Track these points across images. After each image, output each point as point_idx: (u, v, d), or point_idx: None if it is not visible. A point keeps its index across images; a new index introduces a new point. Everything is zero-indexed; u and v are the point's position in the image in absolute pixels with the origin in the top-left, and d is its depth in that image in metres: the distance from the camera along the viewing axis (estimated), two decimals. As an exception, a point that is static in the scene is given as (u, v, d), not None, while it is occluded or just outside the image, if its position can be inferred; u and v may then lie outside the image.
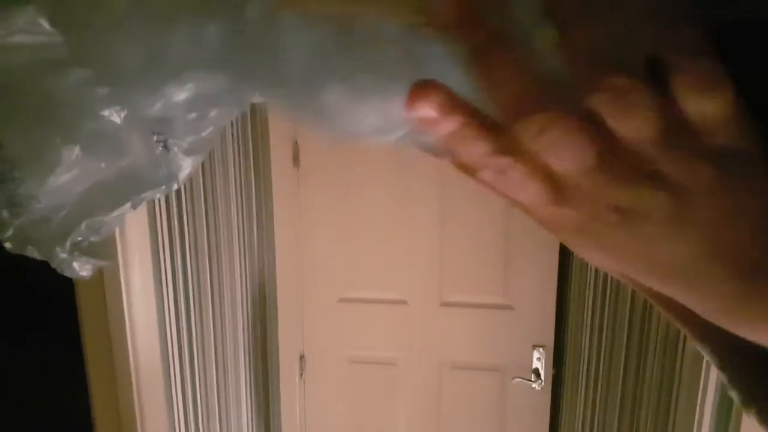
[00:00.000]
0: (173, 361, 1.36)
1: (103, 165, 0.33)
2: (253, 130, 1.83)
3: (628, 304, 1.63)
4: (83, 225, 0.35)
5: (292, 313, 2.02)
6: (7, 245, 0.35)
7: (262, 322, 1.96)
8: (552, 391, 1.93)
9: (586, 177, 0.19)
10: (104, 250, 1.12)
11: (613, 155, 0.19)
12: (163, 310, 1.30)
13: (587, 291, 1.77)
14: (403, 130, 0.24)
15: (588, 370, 1.83)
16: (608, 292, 1.70)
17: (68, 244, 0.35)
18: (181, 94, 0.28)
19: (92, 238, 0.36)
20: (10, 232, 0.34)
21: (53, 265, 0.36)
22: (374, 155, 1.84)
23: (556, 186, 0.20)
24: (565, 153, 0.19)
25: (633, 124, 0.18)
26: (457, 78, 0.20)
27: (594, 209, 0.20)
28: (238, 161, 1.74)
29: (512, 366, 1.93)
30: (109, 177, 0.34)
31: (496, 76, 0.20)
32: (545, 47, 0.19)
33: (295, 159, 1.92)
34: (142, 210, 1.19)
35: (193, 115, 0.31)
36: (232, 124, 1.67)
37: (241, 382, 1.79)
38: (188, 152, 0.35)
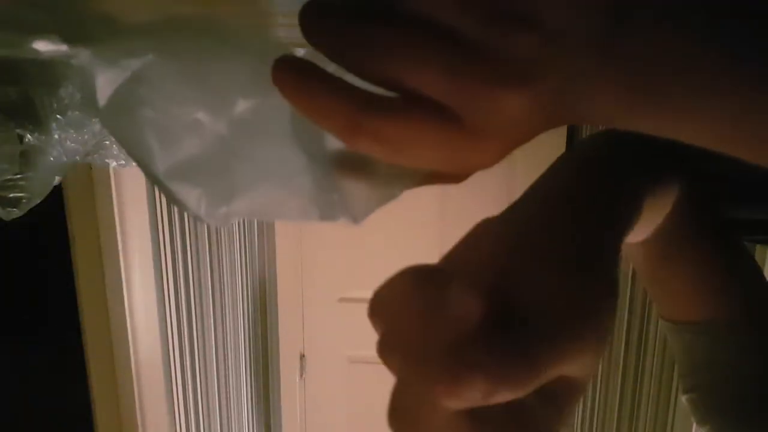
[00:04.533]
0: (174, 360, 1.36)
1: None
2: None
3: (627, 304, 1.64)
4: None
5: (292, 312, 2.02)
6: None
7: (262, 321, 1.96)
8: (552, 390, 1.93)
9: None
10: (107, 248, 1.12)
11: None
12: (164, 310, 1.30)
13: (587, 290, 1.77)
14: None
15: (587, 369, 1.83)
16: (607, 291, 1.70)
17: None
18: None
19: None
20: None
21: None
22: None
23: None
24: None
25: None
26: None
27: None
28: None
29: (512, 365, 1.93)
30: None
31: None
32: None
33: (295, 159, 1.92)
34: (143, 210, 1.19)
35: None
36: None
37: (241, 382, 1.80)
38: None
